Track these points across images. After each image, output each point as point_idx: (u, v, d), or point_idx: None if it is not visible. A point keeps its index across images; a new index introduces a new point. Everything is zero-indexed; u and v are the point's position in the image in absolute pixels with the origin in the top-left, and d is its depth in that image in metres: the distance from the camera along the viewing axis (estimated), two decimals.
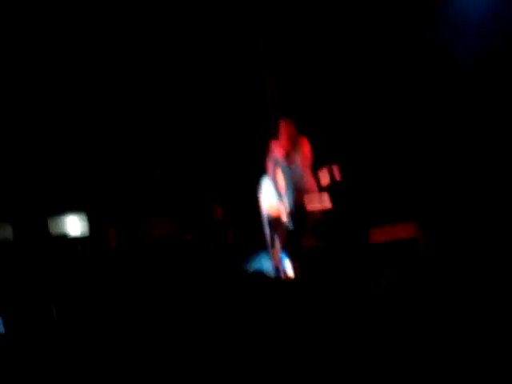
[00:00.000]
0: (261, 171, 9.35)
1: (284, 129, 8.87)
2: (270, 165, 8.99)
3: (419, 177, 10.16)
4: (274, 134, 9.11)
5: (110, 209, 10.51)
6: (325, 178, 8.65)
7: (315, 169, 8.81)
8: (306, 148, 8.80)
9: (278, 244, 8.80)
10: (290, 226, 8.73)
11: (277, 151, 8.90)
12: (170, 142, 11.16)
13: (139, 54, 10.96)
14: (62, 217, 9.84)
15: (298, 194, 8.81)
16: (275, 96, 10.98)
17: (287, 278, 8.57)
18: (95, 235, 9.75)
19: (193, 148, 11.12)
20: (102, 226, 9.94)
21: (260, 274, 8.78)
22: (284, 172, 8.87)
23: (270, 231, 8.92)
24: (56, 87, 10.73)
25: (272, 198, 9.09)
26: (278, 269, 8.75)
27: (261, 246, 9.11)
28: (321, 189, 8.76)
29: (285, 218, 8.81)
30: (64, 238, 9.54)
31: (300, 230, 8.71)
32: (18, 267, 8.96)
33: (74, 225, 9.68)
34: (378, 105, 10.57)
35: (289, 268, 8.63)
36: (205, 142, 11.06)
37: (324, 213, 8.66)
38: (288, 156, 8.83)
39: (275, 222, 8.92)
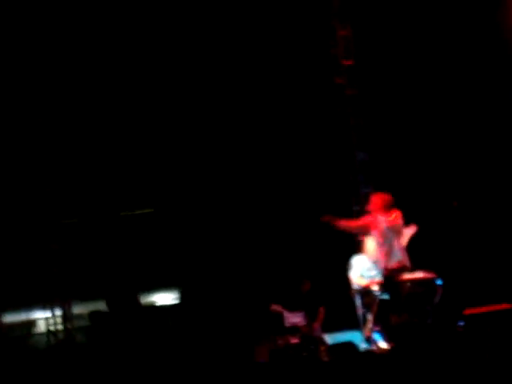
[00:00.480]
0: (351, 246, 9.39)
1: (377, 198, 8.97)
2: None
3: None
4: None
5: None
6: None
7: None
8: (398, 217, 8.78)
9: (369, 315, 8.63)
10: (382, 296, 8.58)
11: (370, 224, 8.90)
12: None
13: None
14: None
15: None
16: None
17: (379, 351, 8.33)
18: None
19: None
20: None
21: (349, 344, 8.66)
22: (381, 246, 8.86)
23: (362, 302, 8.82)
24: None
25: (362, 267, 9.11)
26: (370, 340, 8.55)
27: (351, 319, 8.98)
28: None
29: (376, 287, 8.68)
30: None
31: (393, 301, 8.54)
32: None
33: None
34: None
35: (381, 340, 8.43)
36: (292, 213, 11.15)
37: (417, 284, 8.51)
38: (382, 225, 8.80)
39: (366, 292, 8.83)
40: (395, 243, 8.77)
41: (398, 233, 8.81)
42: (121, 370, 8.22)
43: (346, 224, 8.97)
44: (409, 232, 8.89)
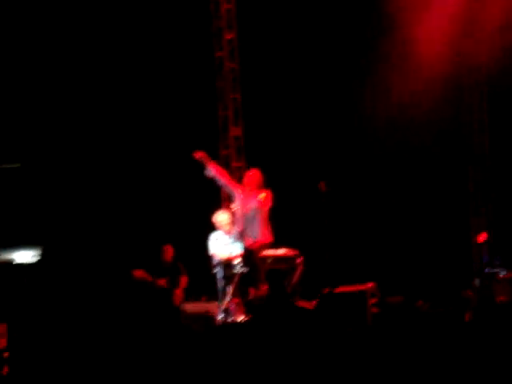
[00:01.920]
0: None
1: (252, 174, 9.08)
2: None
3: None
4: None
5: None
6: None
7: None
8: (268, 198, 8.92)
9: (229, 288, 8.78)
10: (242, 270, 8.75)
11: (238, 190, 9.07)
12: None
13: None
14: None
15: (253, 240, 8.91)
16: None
17: (235, 322, 8.52)
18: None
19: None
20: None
21: (208, 316, 8.82)
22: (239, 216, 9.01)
23: (223, 274, 8.92)
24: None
25: (225, 245, 9.17)
26: (228, 312, 8.71)
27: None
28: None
29: (236, 262, 8.85)
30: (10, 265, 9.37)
31: (252, 275, 8.73)
32: None
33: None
34: None
35: (238, 312, 8.60)
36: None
37: (278, 260, 8.74)
38: (248, 199, 8.94)
39: (227, 265, 8.94)
40: (256, 219, 8.99)
41: (261, 211, 9.02)
42: None
43: (219, 168, 9.13)
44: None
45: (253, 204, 8.93)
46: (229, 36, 11.29)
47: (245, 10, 11.33)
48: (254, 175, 9.15)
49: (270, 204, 8.97)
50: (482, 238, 10.03)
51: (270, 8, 11.18)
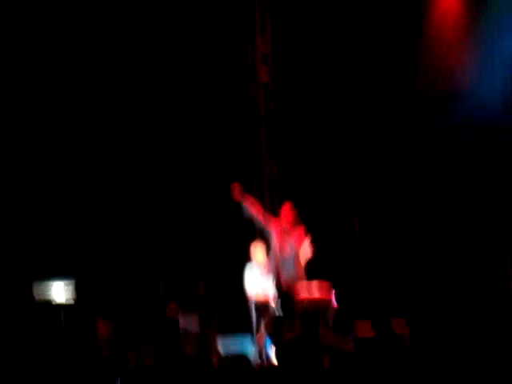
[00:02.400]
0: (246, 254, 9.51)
1: (287, 210, 9.03)
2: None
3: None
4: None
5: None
6: None
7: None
8: (302, 236, 8.88)
9: (263, 329, 8.77)
10: (278, 312, 8.73)
11: (274, 227, 9.02)
12: None
13: None
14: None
15: (287, 280, 8.89)
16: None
17: (270, 365, 8.51)
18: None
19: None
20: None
21: (243, 357, 8.77)
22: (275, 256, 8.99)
23: (256, 315, 8.89)
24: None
25: (259, 282, 9.11)
26: (261, 354, 8.71)
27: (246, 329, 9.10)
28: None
29: (272, 304, 8.82)
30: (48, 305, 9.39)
31: (287, 317, 8.72)
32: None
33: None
34: None
35: (273, 355, 8.60)
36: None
37: (313, 303, 8.73)
38: (283, 236, 8.93)
39: (262, 306, 8.91)
40: (290, 257, 8.97)
41: (295, 248, 8.98)
42: None
43: (255, 204, 9.10)
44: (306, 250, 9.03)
45: (292, 244, 8.94)
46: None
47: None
48: (288, 211, 9.13)
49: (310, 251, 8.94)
50: None
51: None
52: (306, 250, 8.90)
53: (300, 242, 8.88)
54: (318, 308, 8.71)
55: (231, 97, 11.31)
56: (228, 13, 11.29)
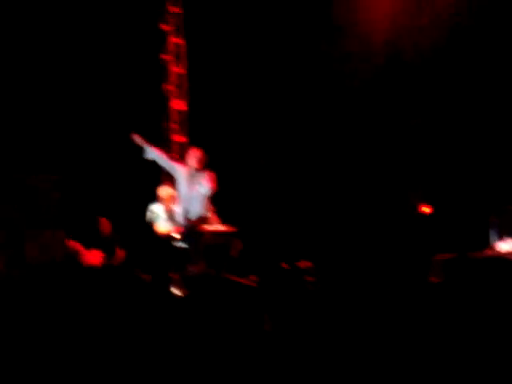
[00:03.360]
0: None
1: (194, 153, 9.08)
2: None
3: None
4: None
5: None
6: None
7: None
8: (210, 176, 8.97)
9: (168, 261, 8.85)
10: (183, 246, 8.83)
11: (181, 170, 9.07)
12: None
13: None
14: None
15: (193, 217, 8.96)
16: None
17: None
18: None
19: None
20: None
21: None
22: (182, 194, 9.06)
23: (162, 250, 9.05)
24: None
25: (165, 218, 9.41)
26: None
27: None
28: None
29: (177, 238, 8.92)
30: None
31: (191, 251, 8.80)
32: None
33: None
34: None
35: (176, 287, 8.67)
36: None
37: (217, 236, 8.83)
38: (191, 178, 8.98)
39: (167, 241, 9.08)
40: (200, 200, 9.04)
41: (203, 187, 9.06)
42: None
43: (159, 150, 9.11)
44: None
45: (199, 186, 8.99)
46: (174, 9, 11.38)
47: None
48: (198, 156, 9.18)
49: (216, 188, 9.04)
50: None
51: None
52: (210, 189, 9.00)
53: (208, 182, 8.95)
54: (222, 243, 8.84)
55: (141, 34, 11.25)
56: None
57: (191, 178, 9.05)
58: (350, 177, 11.48)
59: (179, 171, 9.12)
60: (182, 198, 9.11)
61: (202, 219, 8.96)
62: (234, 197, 10.77)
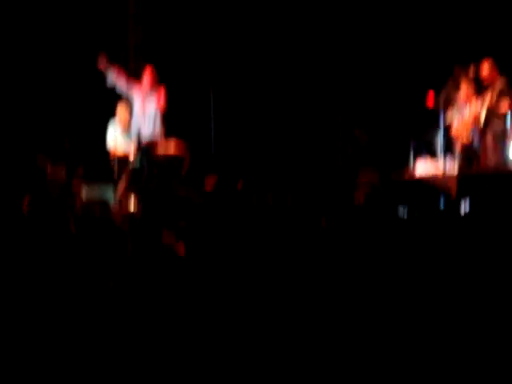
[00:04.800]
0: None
1: (148, 73, 9.89)
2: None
3: None
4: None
5: None
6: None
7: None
8: (162, 96, 9.78)
9: (123, 180, 9.79)
10: (136, 165, 9.77)
11: (136, 91, 9.89)
12: None
13: None
14: None
15: (147, 136, 9.90)
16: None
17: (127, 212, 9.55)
18: None
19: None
20: None
21: (103, 203, 9.75)
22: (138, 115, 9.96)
23: (118, 167, 9.91)
24: None
25: (121, 137, 10.16)
26: (121, 202, 9.74)
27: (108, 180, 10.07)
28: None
29: (132, 157, 9.85)
30: None
31: (146, 169, 9.77)
32: None
33: None
34: None
35: (131, 203, 9.65)
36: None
37: (169, 159, 9.80)
38: (145, 98, 9.83)
39: (123, 160, 9.94)
40: (151, 115, 9.90)
41: (156, 107, 9.87)
42: None
43: (119, 72, 9.88)
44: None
45: (151, 105, 9.81)
46: None
47: None
48: (149, 74, 10.01)
49: (165, 104, 9.81)
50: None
51: None
52: (158, 107, 9.81)
53: (160, 102, 9.75)
54: (172, 163, 9.75)
55: None
56: None
57: (145, 99, 9.88)
58: None
59: (135, 92, 9.90)
60: (136, 119, 9.95)
61: (153, 140, 9.84)
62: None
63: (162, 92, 9.81)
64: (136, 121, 10.01)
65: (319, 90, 12.15)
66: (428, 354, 4.51)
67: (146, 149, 9.77)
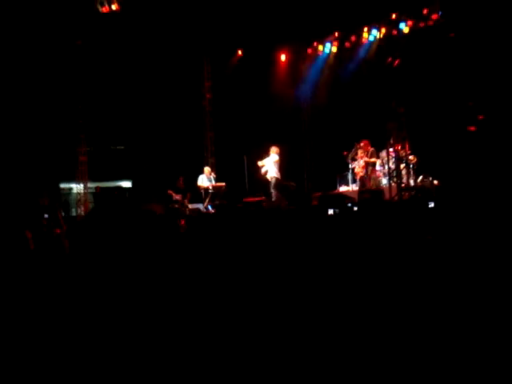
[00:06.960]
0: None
1: None
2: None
3: None
4: None
5: None
6: None
7: None
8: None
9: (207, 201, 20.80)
10: (211, 192, 21.16)
11: None
12: None
13: None
14: None
15: None
16: None
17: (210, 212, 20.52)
18: None
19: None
20: None
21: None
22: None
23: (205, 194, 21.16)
24: None
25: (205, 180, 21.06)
26: (206, 208, 20.52)
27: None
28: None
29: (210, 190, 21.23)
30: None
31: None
32: None
33: None
34: None
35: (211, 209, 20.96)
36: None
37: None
38: None
39: (206, 190, 21.04)
40: None
41: None
42: None
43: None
44: None
45: None
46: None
47: None
48: None
49: None
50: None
51: None
52: None
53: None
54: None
55: None
56: None
57: None
58: None
59: None
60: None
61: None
62: None
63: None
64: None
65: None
66: (407, 346, 4.83)
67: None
